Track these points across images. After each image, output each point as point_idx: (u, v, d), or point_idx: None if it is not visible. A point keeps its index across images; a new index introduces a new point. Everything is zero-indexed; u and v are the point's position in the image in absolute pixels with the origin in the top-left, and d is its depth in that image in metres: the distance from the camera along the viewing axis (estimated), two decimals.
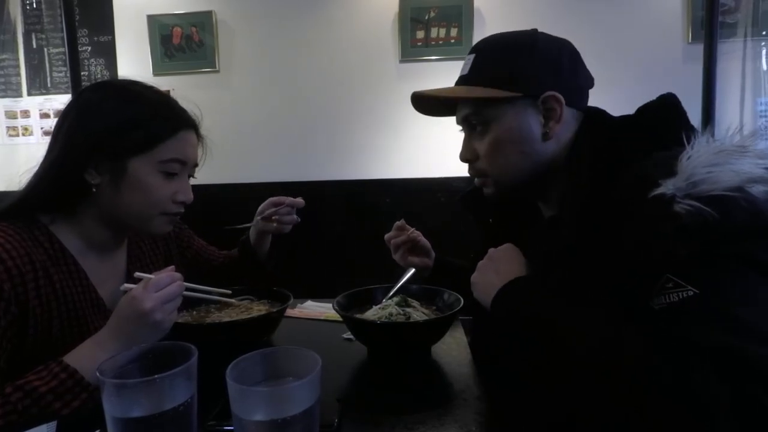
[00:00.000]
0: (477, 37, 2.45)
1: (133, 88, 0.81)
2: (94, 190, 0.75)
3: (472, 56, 0.75)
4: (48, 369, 0.63)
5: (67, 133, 0.75)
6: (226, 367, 0.46)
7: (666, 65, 2.36)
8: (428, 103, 0.79)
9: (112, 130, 0.74)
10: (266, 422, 0.45)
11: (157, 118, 0.77)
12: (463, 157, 0.78)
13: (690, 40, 2.37)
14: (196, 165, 0.85)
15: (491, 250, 0.75)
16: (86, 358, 0.65)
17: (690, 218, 0.50)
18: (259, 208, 1.03)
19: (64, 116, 0.77)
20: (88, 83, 2.63)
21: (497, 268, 0.71)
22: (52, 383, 0.62)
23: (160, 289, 0.67)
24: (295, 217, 1.03)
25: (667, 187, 0.53)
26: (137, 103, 0.77)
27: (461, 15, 2.43)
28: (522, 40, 0.72)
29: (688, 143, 0.57)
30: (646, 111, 0.69)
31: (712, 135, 0.61)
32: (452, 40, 2.45)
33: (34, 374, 0.63)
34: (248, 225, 0.99)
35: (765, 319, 0.47)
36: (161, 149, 0.76)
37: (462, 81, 0.76)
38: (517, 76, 0.70)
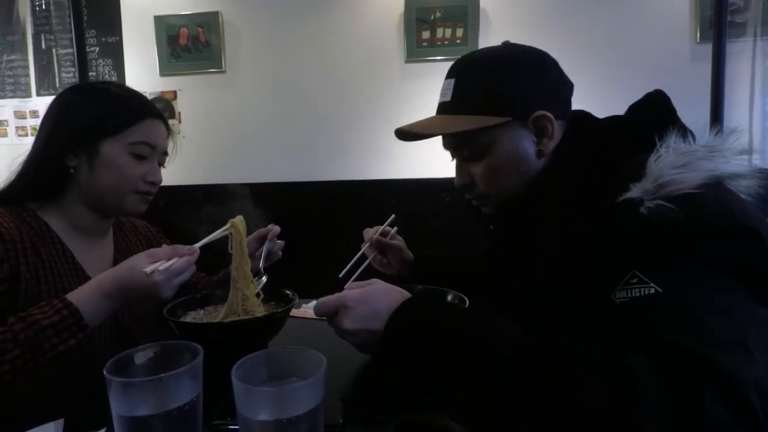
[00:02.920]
0: (482, 37, 2.44)
1: (102, 85, 0.93)
2: (71, 171, 0.83)
3: (452, 81, 0.73)
4: (51, 305, 0.67)
5: (48, 127, 0.85)
6: (231, 367, 0.47)
7: (673, 65, 2.34)
8: (416, 133, 0.76)
9: (87, 119, 0.84)
10: (271, 422, 0.45)
11: (126, 106, 0.86)
12: (460, 184, 0.76)
13: (698, 40, 2.35)
14: (165, 153, 0.93)
15: (349, 299, 0.61)
16: (90, 301, 0.69)
17: (655, 217, 0.51)
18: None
19: (47, 113, 0.87)
20: None
21: (375, 301, 0.60)
22: (53, 318, 0.65)
23: (177, 275, 0.73)
24: (281, 243, 1.05)
25: (635, 191, 0.54)
26: (108, 95, 0.87)
27: (467, 15, 2.42)
28: (502, 60, 0.71)
29: (684, 141, 0.58)
30: (633, 111, 0.68)
31: (692, 135, 0.60)
32: (458, 41, 2.44)
33: (37, 309, 0.67)
34: (264, 279, 0.96)
35: (722, 324, 0.45)
36: (130, 132, 0.85)
37: (444, 108, 0.73)
38: (504, 99, 0.69)
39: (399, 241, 1.05)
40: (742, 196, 0.57)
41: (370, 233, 1.02)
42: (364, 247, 1.01)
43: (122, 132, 0.84)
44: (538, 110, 0.69)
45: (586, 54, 2.38)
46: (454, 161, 0.79)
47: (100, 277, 0.72)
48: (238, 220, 0.89)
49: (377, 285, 0.63)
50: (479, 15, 2.42)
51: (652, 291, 0.50)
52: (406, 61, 2.49)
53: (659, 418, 0.41)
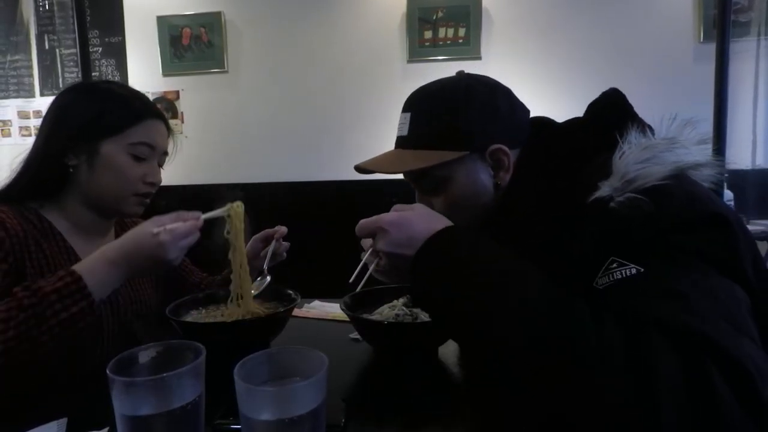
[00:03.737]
0: (485, 37, 2.44)
1: (103, 85, 0.92)
2: (71, 170, 0.83)
3: (408, 115, 0.73)
4: (56, 275, 0.68)
5: (49, 126, 0.85)
6: (233, 367, 0.47)
7: (677, 65, 2.34)
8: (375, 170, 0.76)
9: (87, 118, 0.83)
10: (273, 422, 0.45)
11: (126, 106, 0.86)
12: None
13: (701, 40, 2.34)
14: (165, 153, 0.92)
15: (385, 222, 0.60)
16: (94, 269, 0.70)
17: (626, 210, 0.52)
18: (249, 248, 1.00)
19: (47, 112, 0.87)
20: None
21: (412, 226, 0.58)
22: (57, 284, 0.66)
23: (183, 237, 0.73)
24: (287, 244, 1.04)
25: (604, 189, 0.55)
26: (108, 95, 0.86)
27: (469, 15, 2.42)
28: (455, 92, 0.71)
29: (644, 135, 0.59)
30: (592, 111, 0.69)
31: (651, 130, 0.62)
32: (460, 40, 2.44)
33: (42, 279, 0.68)
34: (269, 279, 0.96)
35: (708, 302, 0.46)
36: (130, 133, 0.84)
37: (402, 142, 0.74)
38: (458, 133, 0.69)
39: None
40: (708, 185, 0.60)
41: (369, 241, 1.01)
42: (365, 257, 1.00)
43: (122, 132, 0.84)
44: (494, 144, 0.69)
45: (588, 53, 2.38)
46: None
47: (104, 247, 0.72)
48: (237, 206, 0.88)
49: (419, 210, 0.61)
50: (481, 15, 2.42)
51: (634, 271, 0.50)
52: (408, 61, 2.49)
53: (674, 394, 0.41)
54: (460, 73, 0.76)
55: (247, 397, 0.45)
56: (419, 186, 0.76)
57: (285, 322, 0.91)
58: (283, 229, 1.03)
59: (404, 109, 0.75)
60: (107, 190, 0.85)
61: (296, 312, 1.06)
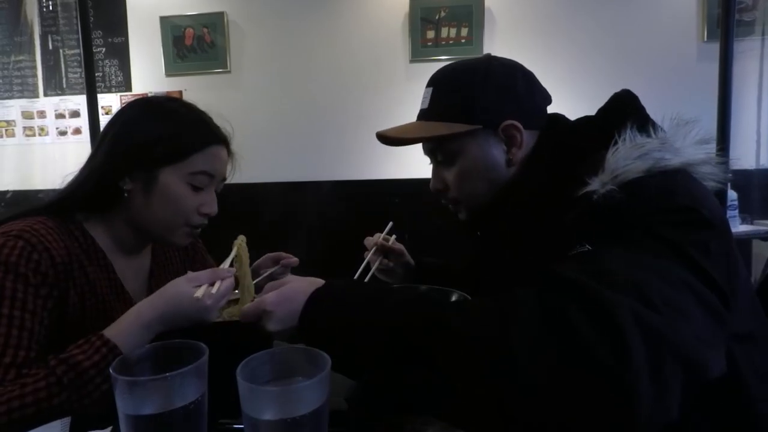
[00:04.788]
0: (487, 36, 2.43)
1: (170, 104, 0.86)
2: (126, 195, 0.80)
3: (430, 89, 0.76)
4: (90, 343, 0.66)
5: (109, 144, 0.81)
6: (236, 367, 0.47)
7: (680, 65, 2.33)
8: (395, 138, 0.79)
9: (148, 142, 0.79)
10: (276, 421, 0.45)
11: (190, 132, 0.82)
12: (434, 188, 0.79)
13: (705, 39, 2.33)
14: (224, 179, 0.89)
15: (268, 303, 0.62)
16: (129, 334, 0.68)
17: (602, 201, 0.55)
18: (258, 263, 1.02)
19: (109, 127, 0.84)
20: (102, 84, 2.68)
21: (291, 299, 0.60)
22: (94, 357, 0.64)
23: (222, 298, 0.73)
24: (296, 260, 1.03)
25: (594, 184, 0.57)
26: (172, 117, 0.83)
27: (472, 14, 2.42)
28: (475, 70, 0.74)
29: (642, 133, 0.60)
30: (603, 110, 0.71)
31: (654, 128, 0.62)
32: (463, 40, 2.44)
33: (76, 348, 0.65)
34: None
35: (624, 270, 0.47)
36: (191, 162, 0.81)
37: (422, 115, 0.77)
38: (473, 107, 0.72)
39: (401, 247, 1.05)
40: (711, 183, 0.61)
41: (372, 240, 1.02)
42: (368, 256, 1.01)
43: (184, 160, 0.80)
44: (507, 120, 0.71)
45: (591, 53, 2.37)
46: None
47: (140, 308, 0.70)
48: (241, 241, 0.87)
49: (293, 283, 0.63)
50: (484, 14, 2.42)
51: (586, 249, 0.54)
52: (411, 61, 2.49)
53: (527, 330, 0.44)
54: (487, 55, 0.78)
55: (250, 397, 0.45)
56: (435, 158, 0.78)
57: None
58: (294, 260, 1.01)
59: (428, 84, 0.78)
60: (159, 219, 0.81)
61: None
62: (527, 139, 0.72)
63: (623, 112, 0.66)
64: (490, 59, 0.76)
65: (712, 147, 0.61)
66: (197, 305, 0.69)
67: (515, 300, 0.48)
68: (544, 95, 0.77)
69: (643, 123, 0.62)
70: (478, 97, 0.72)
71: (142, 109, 0.84)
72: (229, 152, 0.88)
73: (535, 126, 0.74)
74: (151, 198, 0.80)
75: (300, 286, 0.61)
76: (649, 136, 0.60)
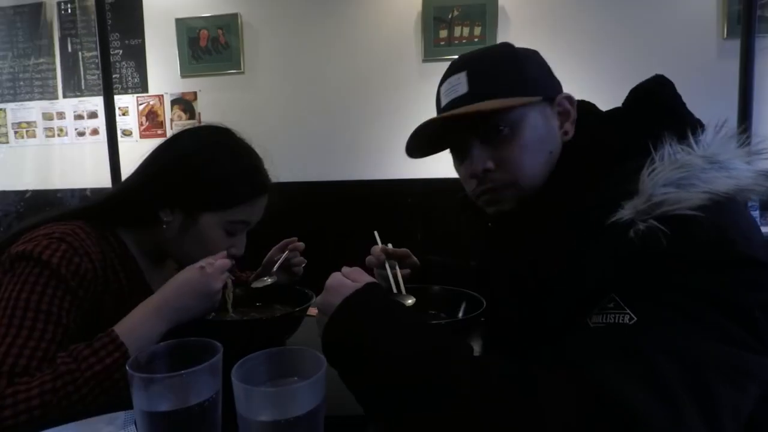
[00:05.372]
0: (501, 35, 2.41)
1: (227, 142, 0.86)
2: (164, 226, 0.81)
3: (462, 74, 0.70)
4: (103, 345, 0.67)
5: (159, 173, 0.82)
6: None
7: (700, 62, 2.28)
8: (432, 135, 0.72)
9: (199, 185, 0.80)
10: (271, 423, 0.45)
11: (241, 182, 0.82)
12: (481, 170, 0.69)
13: (726, 36, 2.28)
14: (258, 222, 0.90)
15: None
16: (141, 323, 0.71)
17: (641, 242, 0.48)
18: (268, 256, 1.04)
19: (160, 151, 0.84)
20: (119, 85, 2.72)
21: (346, 282, 0.59)
22: (106, 361, 0.66)
23: (223, 269, 0.77)
24: (302, 259, 1.06)
25: (625, 211, 0.50)
26: (227, 165, 0.82)
27: (485, 13, 2.40)
28: (512, 50, 0.73)
29: (683, 141, 0.53)
30: (635, 100, 0.66)
31: (692, 132, 0.54)
32: (476, 39, 2.42)
33: (90, 351, 0.66)
34: (269, 281, 0.99)
35: (664, 366, 0.43)
36: (234, 211, 0.82)
37: (462, 101, 0.68)
38: (526, 80, 0.69)
39: (405, 250, 1.04)
40: (752, 197, 0.53)
41: (377, 250, 1.00)
42: (389, 271, 0.97)
43: (228, 210, 0.81)
44: (561, 93, 0.71)
45: (608, 52, 2.34)
46: (456, 162, 0.77)
47: (150, 297, 0.74)
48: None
49: (344, 279, 0.60)
50: (498, 13, 2.40)
51: (626, 319, 0.47)
52: (424, 61, 2.48)
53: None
54: (504, 42, 0.76)
55: (245, 398, 0.45)
56: (483, 134, 0.69)
57: (300, 320, 0.91)
58: (299, 244, 1.03)
59: (455, 71, 0.71)
60: (188, 254, 0.82)
61: (312, 311, 1.07)
62: (574, 113, 0.71)
63: (658, 112, 0.60)
64: (511, 45, 0.74)
65: (764, 160, 0.53)
66: (203, 273, 0.73)
67: (553, 398, 0.43)
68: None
69: (682, 127, 0.55)
70: (529, 72, 0.69)
71: (198, 143, 0.84)
72: (267, 196, 0.88)
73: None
74: (186, 235, 0.81)
75: (345, 286, 0.58)
76: (689, 145, 0.53)
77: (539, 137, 0.69)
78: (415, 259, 1.03)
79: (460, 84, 0.70)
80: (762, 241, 0.50)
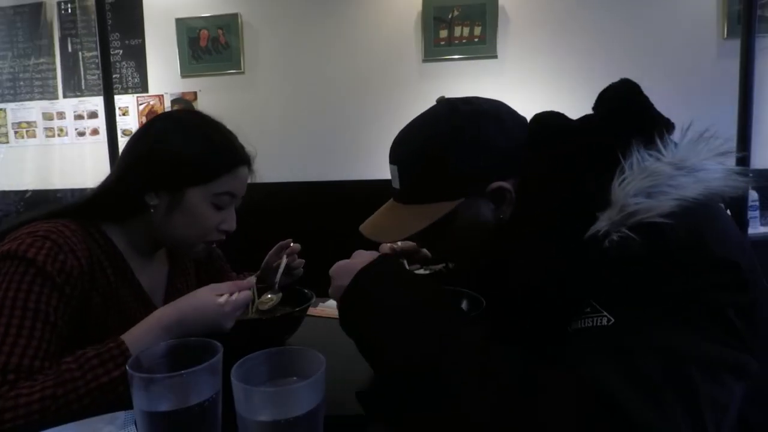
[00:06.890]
0: (501, 35, 2.41)
1: (199, 121, 0.87)
2: (152, 210, 0.81)
3: (395, 168, 0.71)
4: (110, 353, 0.67)
5: (138, 158, 0.82)
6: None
7: (700, 62, 2.28)
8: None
9: (179, 162, 0.81)
10: (270, 423, 0.45)
11: (219, 153, 0.83)
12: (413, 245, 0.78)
13: (726, 36, 2.28)
14: (243, 197, 0.91)
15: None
16: (148, 337, 0.70)
17: (616, 251, 0.49)
18: (266, 261, 1.04)
19: (136, 140, 0.84)
20: (119, 85, 2.73)
21: (358, 260, 0.65)
22: (114, 373, 0.66)
23: (240, 308, 0.77)
24: (301, 261, 1.06)
25: (601, 222, 0.51)
26: (201, 139, 0.83)
27: (485, 13, 2.40)
28: (440, 135, 0.65)
29: (651, 146, 0.54)
30: (597, 113, 0.63)
31: (660, 136, 0.54)
32: (476, 39, 2.42)
33: (96, 357, 0.66)
34: (275, 299, 0.97)
35: (658, 366, 0.44)
36: (217, 183, 0.82)
37: (396, 195, 0.73)
38: (452, 181, 0.65)
39: (411, 244, 1.04)
40: (728, 191, 0.52)
41: (387, 248, 1.00)
42: (408, 267, 0.98)
43: (210, 182, 0.82)
44: (492, 182, 0.64)
45: (608, 52, 2.34)
46: None
47: (164, 311, 0.73)
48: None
49: (355, 258, 0.67)
50: (498, 13, 2.40)
51: (605, 321, 0.49)
52: (424, 61, 2.48)
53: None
54: (440, 100, 0.71)
55: (244, 398, 0.45)
56: (416, 239, 0.77)
57: (300, 320, 0.91)
58: (296, 246, 1.03)
59: (391, 161, 0.72)
60: (180, 234, 0.83)
61: (312, 311, 1.07)
62: (513, 188, 0.65)
63: (625, 118, 0.58)
64: (450, 110, 0.67)
65: (732, 158, 0.54)
66: (219, 311, 0.73)
67: (552, 402, 0.45)
68: (521, 123, 0.68)
69: (650, 133, 0.55)
70: (451, 168, 0.64)
71: (171, 125, 0.85)
72: (250, 170, 0.90)
73: (517, 169, 0.65)
74: (175, 215, 0.81)
75: (354, 264, 0.64)
76: (658, 150, 0.53)
77: (464, 235, 0.69)
78: (426, 251, 1.03)
79: (395, 178, 0.73)
80: (737, 242, 0.51)
